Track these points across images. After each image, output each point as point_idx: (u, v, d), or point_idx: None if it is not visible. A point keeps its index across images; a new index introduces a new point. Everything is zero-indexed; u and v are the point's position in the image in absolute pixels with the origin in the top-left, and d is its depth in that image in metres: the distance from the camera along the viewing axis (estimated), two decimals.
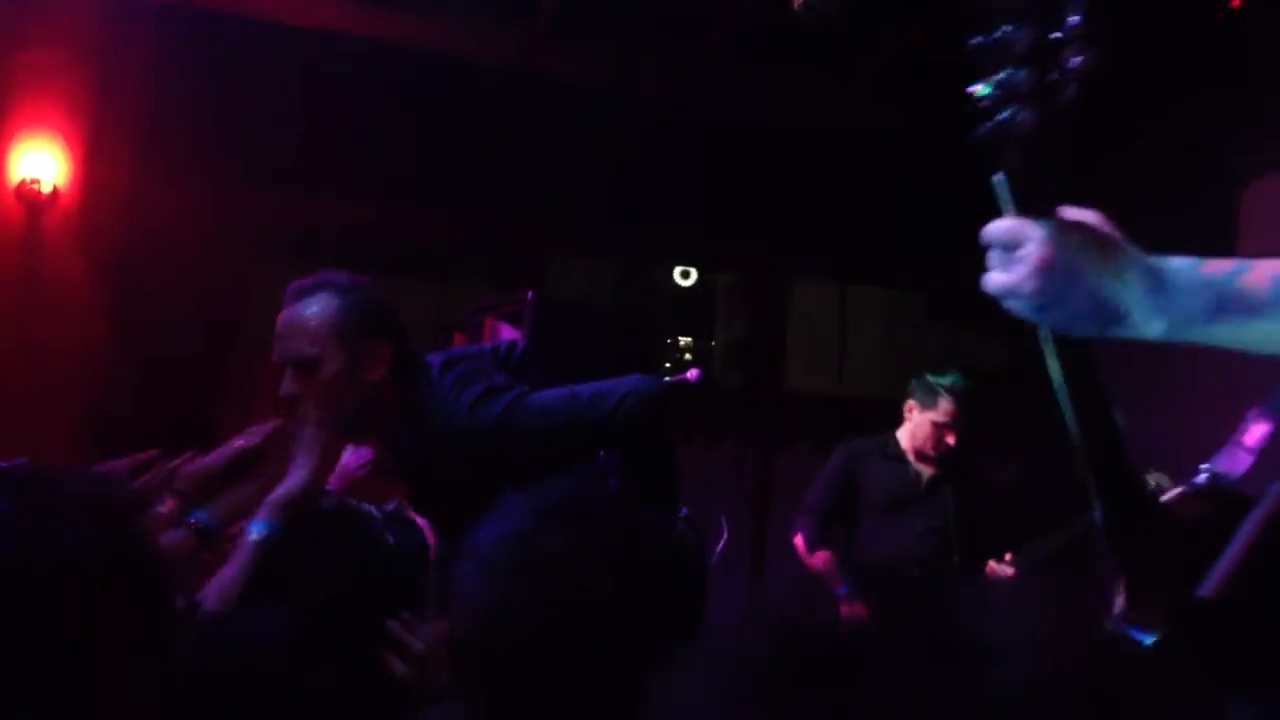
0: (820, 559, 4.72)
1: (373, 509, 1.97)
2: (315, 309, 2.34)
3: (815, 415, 6.89)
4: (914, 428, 4.72)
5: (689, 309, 8.22)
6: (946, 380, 4.69)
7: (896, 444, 4.78)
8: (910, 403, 4.75)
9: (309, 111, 5.34)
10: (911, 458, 4.73)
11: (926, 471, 4.71)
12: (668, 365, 7.59)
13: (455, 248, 6.66)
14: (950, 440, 4.62)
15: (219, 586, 2.03)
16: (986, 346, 7.33)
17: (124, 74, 5.13)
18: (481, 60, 5.66)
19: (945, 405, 4.62)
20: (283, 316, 2.37)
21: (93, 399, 4.96)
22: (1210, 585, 0.92)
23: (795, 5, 4.25)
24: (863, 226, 6.38)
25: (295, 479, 2.21)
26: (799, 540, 4.83)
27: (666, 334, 7.88)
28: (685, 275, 8.05)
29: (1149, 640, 1.39)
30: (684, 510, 3.14)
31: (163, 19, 5.16)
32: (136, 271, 5.13)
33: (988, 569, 4.33)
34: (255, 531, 2.14)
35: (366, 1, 5.36)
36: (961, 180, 5.92)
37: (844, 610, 4.48)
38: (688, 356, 8.42)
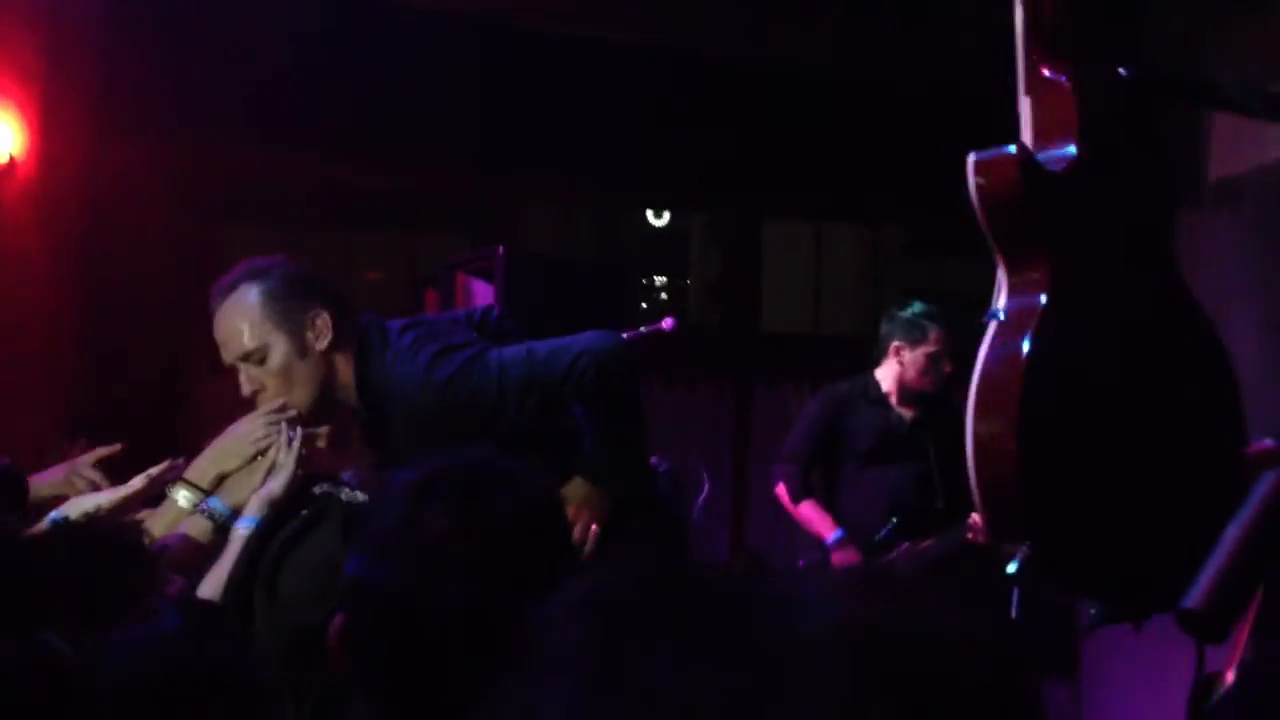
0: (805, 508, 4.62)
1: (360, 494, 1.96)
2: (242, 302, 2.37)
3: (793, 355, 6.89)
4: (904, 366, 4.56)
5: (663, 249, 8.19)
6: (923, 309, 4.60)
7: (878, 386, 4.65)
8: (895, 343, 4.59)
9: (271, 65, 5.24)
10: (894, 400, 4.61)
11: (908, 415, 4.59)
12: (644, 307, 7.58)
13: (427, 201, 6.59)
14: (947, 368, 4.48)
15: (213, 579, 2.05)
16: (968, 274, 7.33)
17: (76, 37, 5.02)
18: (449, 8, 5.56)
19: (935, 333, 4.50)
20: (216, 322, 2.40)
21: (61, 371, 4.91)
22: (1195, 596, 0.91)
23: None
24: (835, 162, 6.33)
25: (278, 479, 2.23)
26: (781, 489, 4.73)
27: (641, 275, 7.85)
28: (659, 215, 8.00)
29: None
30: (663, 466, 3.13)
31: None
32: (100, 238, 5.06)
33: (971, 520, 4.24)
34: (244, 526, 2.15)
35: None
36: (933, 112, 5.89)
37: (835, 558, 4.43)
38: (663, 296, 8.40)
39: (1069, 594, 1.66)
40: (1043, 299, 1.59)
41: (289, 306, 2.38)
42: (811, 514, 4.59)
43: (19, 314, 4.76)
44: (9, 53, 4.86)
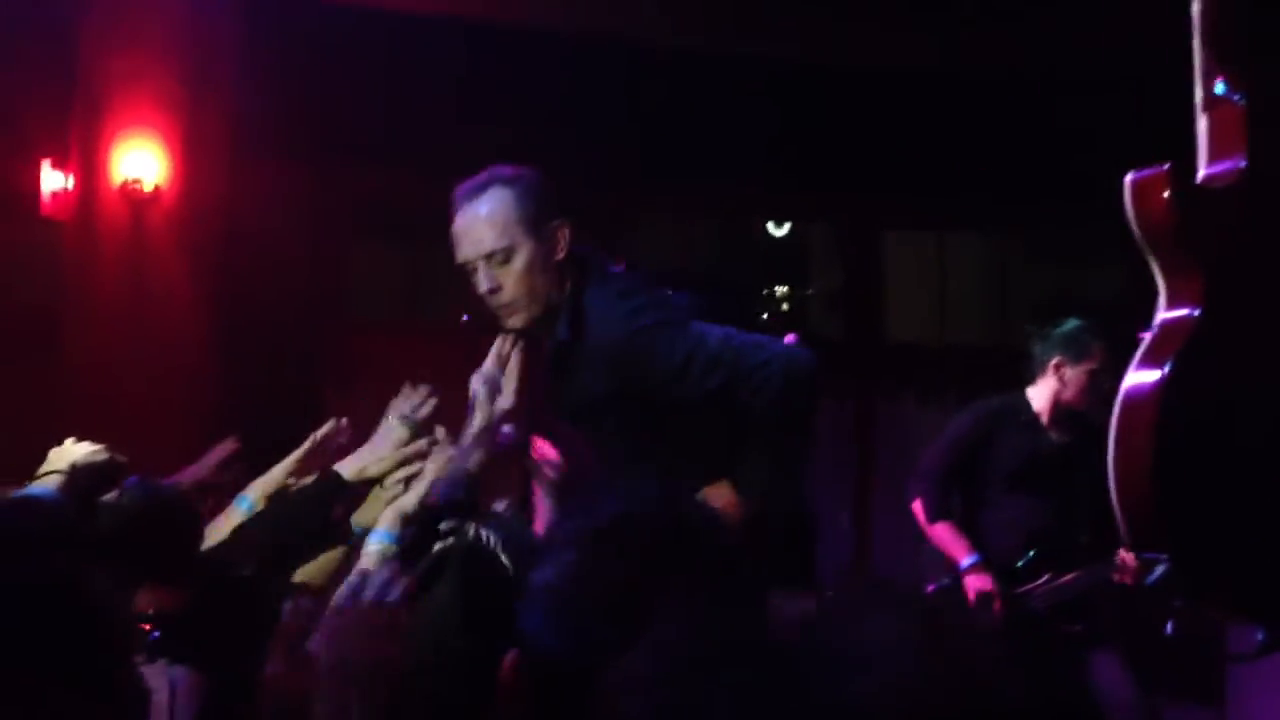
0: (941, 529, 4.38)
1: (491, 534, 1.97)
2: (493, 202, 2.44)
3: (917, 366, 6.81)
4: (1065, 384, 4.29)
5: (783, 259, 8.14)
6: (1084, 324, 4.39)
7: (1029, 407, 4.37)
8: (1056, 359, 4.30)
9: (401, 91, 5.38)
10: (1045, 422, 4.34)
11: (1059, 439, 4.32)
12: (764, 318, 7.54)
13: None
14: (1109, 386, 4.24)
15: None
16: (1094, 280, 7.17)
17: (213, 68, 5.21)
18: (570, 30, 5.63)
19: (1099, 349, 4.21)
20: (460, 218, 2.47)
21: (203, 386, 5.09)
22: None
23: None
24: (955, 171, 6.26)
25: (415, 493, 2.22)
26: (917, 506, 4.47)
27: (762, 285, 7.80)
28: (779, 225, 7.96)
29: None
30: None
31: (247, 8, 5.22)
32: (239, 261, 5.23)
33: (1119, 557, 3.96)
34: (376, 540, 2.16)
35: None
36: (1053, 119, 5.76)
37: (969, 582, 4.27)
38: (784, 307, 8.35)
39: (1225, 616, 1.61)
40: (1195, 314, 1.55)
41: (540, 214, 2.44)
42: (947, 535, 4.36)
43: (166, 333, 4.95)
44: (152, 85, 5.06)
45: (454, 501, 2.17)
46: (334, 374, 6.20)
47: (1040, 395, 4.37)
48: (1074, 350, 4.27)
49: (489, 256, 2.42)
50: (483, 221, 2.43)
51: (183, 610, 2.08)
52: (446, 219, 6.82)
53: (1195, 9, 1.62)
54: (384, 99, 5.39)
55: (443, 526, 1.99)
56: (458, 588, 1.63)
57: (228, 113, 5.25)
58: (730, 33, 5.87)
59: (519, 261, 2.42)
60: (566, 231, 2.47)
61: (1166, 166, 1.56)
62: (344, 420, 2.59)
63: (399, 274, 6.82)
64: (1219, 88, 1.61)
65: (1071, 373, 4.27)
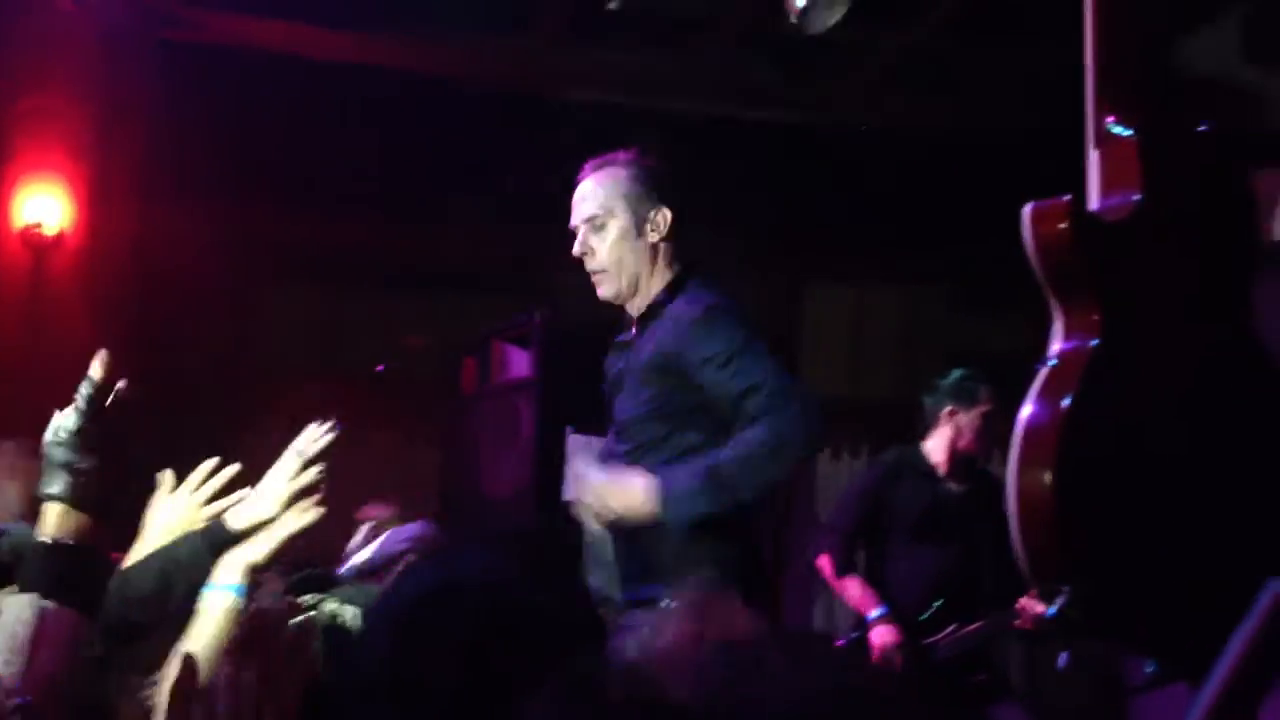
0: (849, 583, 4.44)
1: (348, 608, 1.93)
2: (604, 175, 2.65)
3: (830, 419, 6.84)
4: (960, 431, 4.38)
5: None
6: (967, 372, 4.48)
7: (926, 459, 4.46)
8: (948, 409, 4.41)
9: (315, 136, 5.35)
10: (944, 472, 4.42)
11: (958, 489, 4.41)
12: None
13: (470, 265, 6.64)
14: (991, 425, 4.29)
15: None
16: (1008, 335, 7.28)
17: (125, 113, 5.14)
18: (478, 79, 5.66)
19: (986, 393, 4.35)
20: (580, 185, 2.67)
21: None
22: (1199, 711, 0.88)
23: (792, 16, 4.23)
24: (875, 225, 6.35)
25: (265, 546, 2.14)
26: (824, 561, 4.52)
27: None
28: None
29: None
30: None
31: (161, 56, 5.17)
32: (151, 306, 5.14)
33: (1019, 604, 3.99)
34: (219, 593, 2.05)
35: (362, 30, 5.36)
36: (973, 173, 5.86)
37: (874, 635, 4.30)
38: None
39: (1118, 647, 1.62)
40: (1092, 345, 1.58)
41: (643, 193, 2.62)
42: (854, 590, 4.41)
43: (68, 379, 4.81)
44: (59, 129, 4.97)
45: (309, 576, 2.11)
46: (250, 419, 6.08)
47: (936, 446, 4.45)
48: (964, 397, 4.38)
49: (588, 221, 2.61)
50: (590, 190, 2.64)
51: None
52: (365, 262, 6.76)
53: (1088, 47, 1.67)
54: (303, 142, 5.36)
55: (303, 600, 1.93)
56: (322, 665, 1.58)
57: (139, 156, 5.18)
58: (650, 88, 5.93)
59: (613, 231, 2.59)
60: (667, 215, 2.63)
61: (1066, 198, 1.60)
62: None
63: (318, 318, 6.74)
64: (1110, 124, 1.66)
65: (965, 419, 4.37)
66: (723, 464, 2.39)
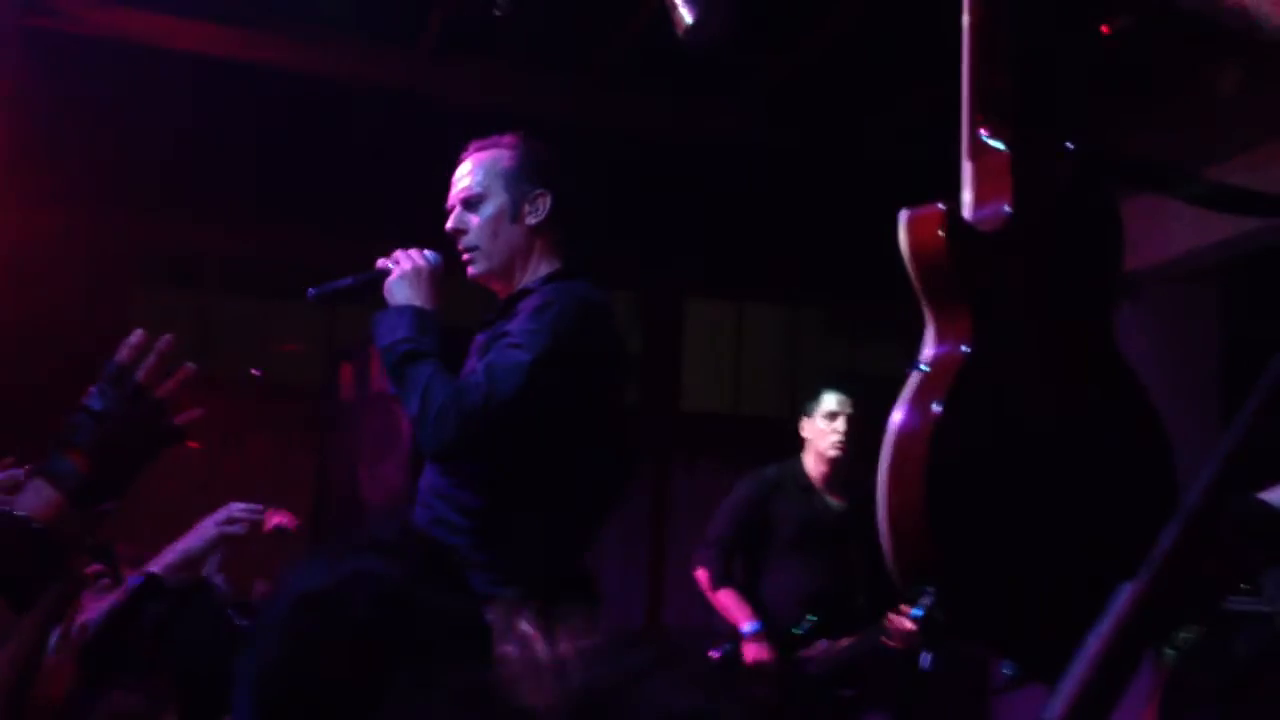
0: (724, 596, 4.44)
1: (240, 618, 1.90)
2: (484, 155, 2.61)
3: (712, 435, 6.89)
4: (813, 439, 4.46)
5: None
6: (821, 383, 4.55)
7: (804, 473, 4.50)
8: (802, 420, 4.52)
9: (185, 137, 5.22)
10: (820, 487, 4.46)
11: (836, 504, 4.44)
12: None
13: (348, 270, 6.52)
14: (842, 428, 4.35)
15: None
16: (885, 355, 7.40)
17: None
18: (363, 83, 5.57)
19: (828, 396, 4.42)
20: (460, 164, 2.64)
21: None
22: (1056, 710, 0.89)
23: (680, 32, 4.25)
24: (757, 243, 6.40)
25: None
26: (701, 574, 4.54)
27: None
28: None
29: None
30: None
31: (26, 44, 5.00)
32: (6, 311, 4.94)
33: (889, 619, 4.06)
34: None
35: (239, 25, 5.24)
36: (855, 195, 5.95)
37: (747, 650, 4.32)
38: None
39: (979, 649, 1.65)
40: (964, 351, 1.61)
41: (523, 175, 2.59)
42: (730, 603, 4.42)
43: None
44: None
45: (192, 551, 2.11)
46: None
47: (809, 460, 4.52)
48: (810, 405, 4.46)
49: (463, 198, 2.58)
50: (469, 169, 2.61)
51: None
52: (240, 267, 6.60)
53: (965, 60, 1.70)
54: (170, 144, 5.22)
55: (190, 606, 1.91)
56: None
57: (1, 154, 4.99)
58: (539, 99, 5.90)
59: (488, 209, 2.57)
60: (547, 201, 2.59)
61: (941, 205, 1.62)
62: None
63: (189, 324, 6.57)
64: (984, 136, 1.69)
65: (810, 424, 4.46)
66: (420, 370, 2.41)
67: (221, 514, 2.63)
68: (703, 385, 7.25)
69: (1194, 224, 4.76)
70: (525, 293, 2.55)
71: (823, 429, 4.44)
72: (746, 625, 4.32)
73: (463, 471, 2.44)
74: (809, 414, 4.52)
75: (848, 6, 5.13)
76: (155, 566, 2.50)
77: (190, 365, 1.73)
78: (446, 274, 2.62)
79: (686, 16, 4.41)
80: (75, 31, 5.09)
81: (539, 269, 2.59)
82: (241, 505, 2.71)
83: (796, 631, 4.31)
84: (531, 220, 2.58)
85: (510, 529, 2.40)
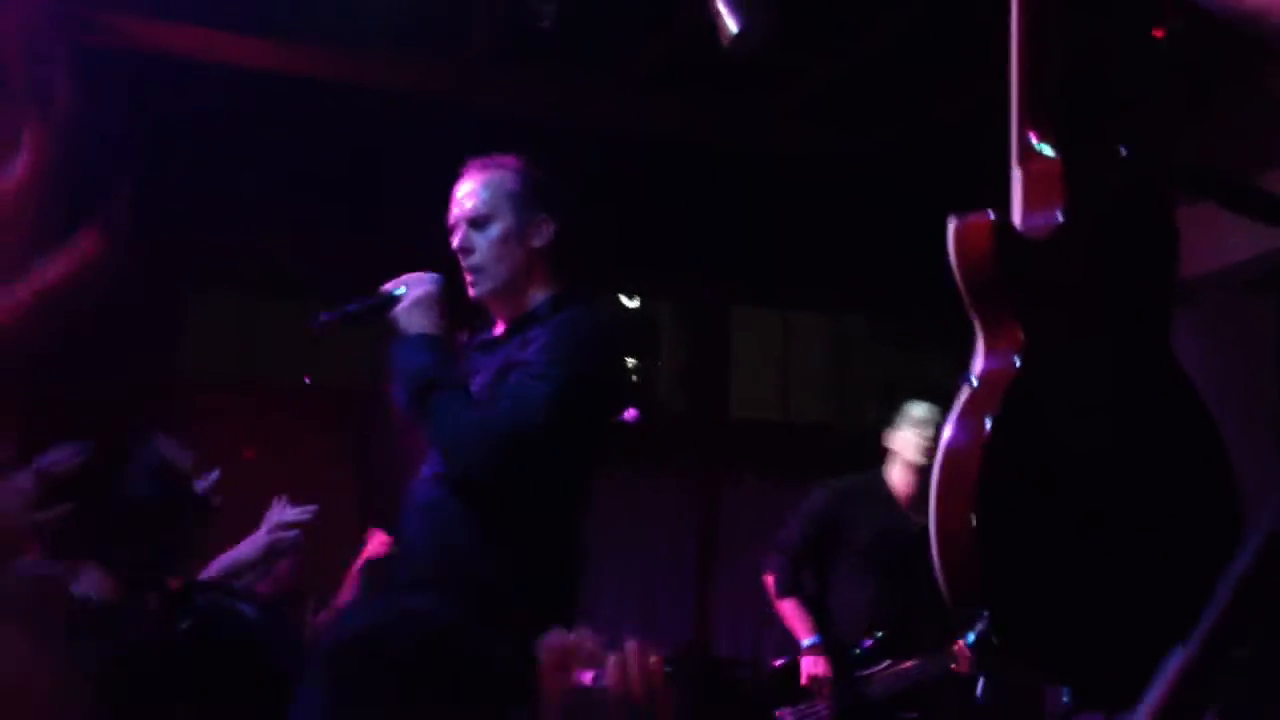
0: (787, 605, 4.35)
1: (249, 607, 1.91)
2: (490, 175, 2.66)
3: (760, 444, 6.84)
4: (900, 453, 4.33)
5: (636, 328, 8.16)
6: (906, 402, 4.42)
7: (886, 485, 4.39)
8: (886, 433, 4.39)
9: (234, 146, 5.27)
10: (904, 504, 4.33)
11: (915, 521, 4.22)
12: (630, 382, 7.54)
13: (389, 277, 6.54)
14: (931, 435, 4.17)
15: None
16: (934, 361, 7.33)
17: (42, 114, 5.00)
18: (410, 94, 5.59)
19: (915, 409, 4.33)
20: (460, 185, 2.68)
21: (13, 456, 4.81)
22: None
23: (724, 41, 4.22)
24: (802, 252, 6.36)
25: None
26: (769, 580, 4.44)
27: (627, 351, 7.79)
28: (630, 297, 7.99)
29: None
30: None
31: (74, 58, 5.05)
32: (54, 314, 4.98)
33: (956, 646, 3.94)
34: None
35: (283, 39, 5.28)
36: (901, 202, 5.91)
37: (804, 663, 4.24)
38: (634, 379, 8.35)
39: (1034, 676, 1.60)
40: (1014, 364, 1.56)
41: (528, 198, 2.64)
42: (791, 613, 4.34)
43: None
44: None
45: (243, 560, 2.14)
46: (166, 435, 5.94)
47: (894, 472, 4.40)
48: (896, 417, 4.37)
49: (470, 218, 2.61)
50: (475, 188, 2.64)
51: None
52: (286, 272, 6.63)
53: (1013, 63, 1.66)
54: (220, 151, 5.26)
55: (199, 600, 1.92)
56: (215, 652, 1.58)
57: (52, 169, 5.05)
58: (581, 109, 5.90)
59: (495, 230, 2.60)
60: (551, 227, 2.63)
61: (990, 214, 1.58)
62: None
63: (236, 330, 6.61)
64: (1034, 142, 1.65)
65: (898, 435, 4.35)
66: (445, 399, 2.42)
67: (273, 516, 2.69)
68: (751, 394, 7.21)
69: (1252, 231, 4.66)
70: (532, 318, 2.58)
71: (912, 438, 4.31)
72: (806, 639, 4.26)
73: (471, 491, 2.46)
74: (896, 425, 4.39)
75: (894, 11, 5.08)
76: (207, 574, 2.53)
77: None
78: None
79: (732, 25, 4.40)
80: (123, 46, 5.15)
81: (540, 293, 2.63)
82: (293, 510, 2.76)
83: (859, 650, 4.23)
84: (535, 244, 2.62)
85: (516, 541, 2.43)
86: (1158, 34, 4.53)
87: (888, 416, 4.52)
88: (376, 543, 4.04)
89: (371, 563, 3.87)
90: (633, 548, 6.67)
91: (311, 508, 2.75)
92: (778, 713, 4.28)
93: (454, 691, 1.23)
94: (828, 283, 6.65)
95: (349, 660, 1.21)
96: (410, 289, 2.58)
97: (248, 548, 2.62)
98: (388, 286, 2.61)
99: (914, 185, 5.80)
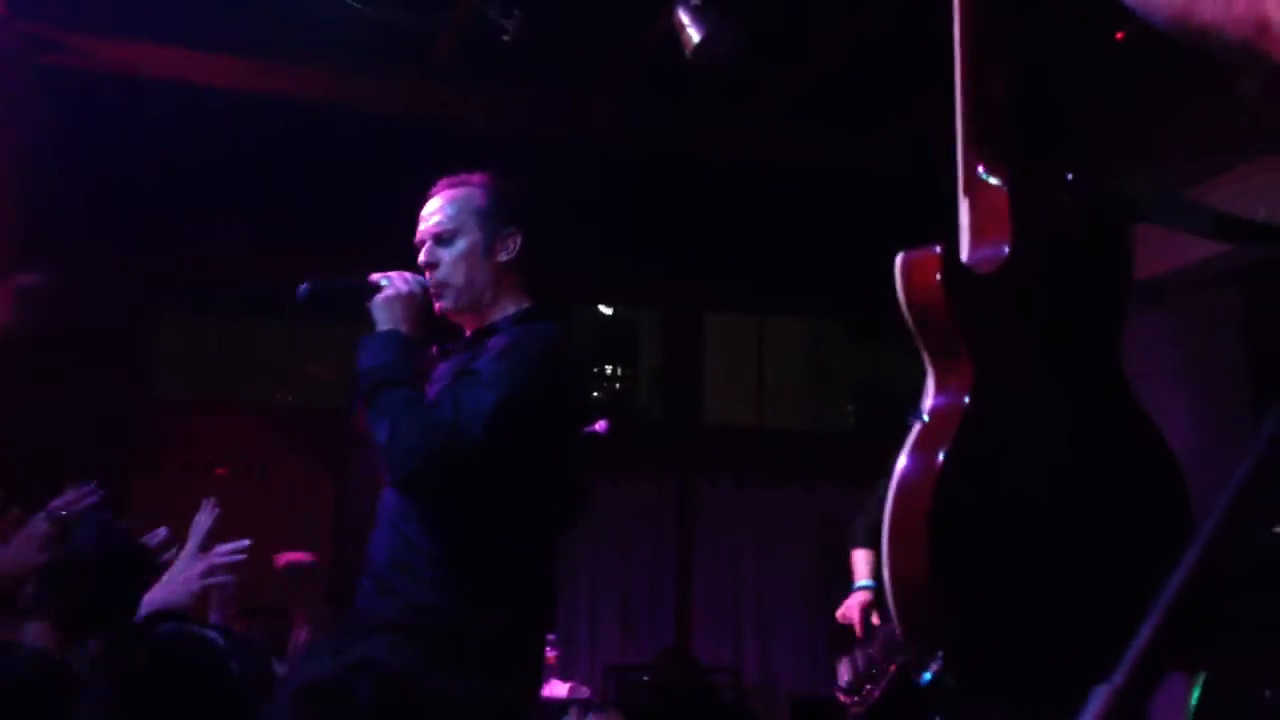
0: (857, 553, 4.30)
1: (216, 635, 1.91)
2: (457, 192, 2.63)
3: (736, 448, 6.86)
4: None
5: (613, 336, 8.18)
6: None
7: None
8: None
9: (200, 165, 5.26)
10: None
11: None
12: (595, 395, 7.54)
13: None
14: None
15: None
16: (911, 366, 7.36)
17: (3, 141, 4.99)
18: (375, 108, 5.59)
19: None
20: (430, 199, 2.64)
21: None
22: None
23: (687, 52, 4.23)
24: (777, 256, 6.38)
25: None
26: (852, 547, 4.37)
27: (592, 364, 7.80)
28: (606, 305, 8.00)
29: None
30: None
31: (38, 81, 5.04)
32: (26, 344, 4.98)
33: None
34: None
35: (250, 56, 5.27)
36: (874, 206, 5.91)
37: (849, 601, 4.21)
38: (616, 386, 8.37)
39: (991, 712, 1.61)
40: (966, 400, 1.55)
41: (495, 213, 2.61)
42: (858, 560, 4.30)
43: None
44: None
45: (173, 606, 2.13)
46: (137, 455, 5.93)
47: None
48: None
49: (435, 234, 2.59)
50: (440, 205, 2.62)
51: None
52: (255, 292, 6.57)
53: (958, 93, 1.66)
54: (186, 173, 5.25)
55: (162, 628, 1.91)
56: (180, 674, 1.58)
57: (14, 190, 5.03)
58: (555, 119, 5.90)
59: (460, 245, 2.58)
60: (518, 240, 2.61)
61: (937, 248, 1.56)
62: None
63: (207, 350, 6.60)
64: (981, 172, 1.64)
65: None
66: (393, 398, 2.40)
67: (203, 565, 2.63)
68: (726, 399, 7.23)
69: None
70: (493, 330, 2.58)
71: None
72: (859, 580, 4.30)
73: (428, 499, 2.47)
74: None
75: (858, 21, 5.10)
76: (140, 616, 2.48)
77: None
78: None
79: (694, 35, 4.43)
80: (87, 68, 5.13)
81: (507, 306, 2.61)
82: (224, 549, 2.70)
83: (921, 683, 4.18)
84: (502, 258, 2.60)
85: (475, 556, 2.43)
86: (1119, 37, 4.58)
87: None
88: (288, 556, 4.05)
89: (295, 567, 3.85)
90: (610, 554, 6.69)
91: (243, 543, 2.70)
92: (838, 665, 4.27)
93: None
94: (802, 287, 6.68)
95: (305, 710, 1.22)
96: (392, 284, 2.58)
97: (180, 593, 2.56)
98: (375, 277, 2.61)
99: (886, 188, 5.83)
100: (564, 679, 5.21)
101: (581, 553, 6.57)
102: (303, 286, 2.52)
